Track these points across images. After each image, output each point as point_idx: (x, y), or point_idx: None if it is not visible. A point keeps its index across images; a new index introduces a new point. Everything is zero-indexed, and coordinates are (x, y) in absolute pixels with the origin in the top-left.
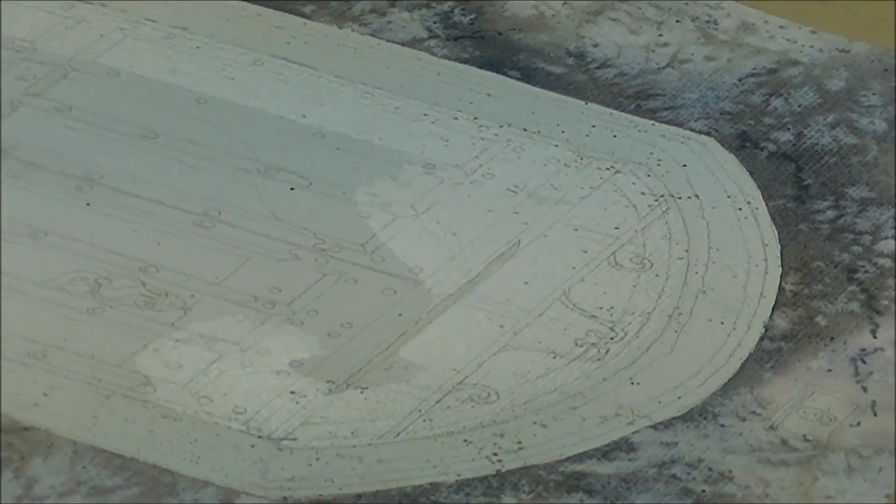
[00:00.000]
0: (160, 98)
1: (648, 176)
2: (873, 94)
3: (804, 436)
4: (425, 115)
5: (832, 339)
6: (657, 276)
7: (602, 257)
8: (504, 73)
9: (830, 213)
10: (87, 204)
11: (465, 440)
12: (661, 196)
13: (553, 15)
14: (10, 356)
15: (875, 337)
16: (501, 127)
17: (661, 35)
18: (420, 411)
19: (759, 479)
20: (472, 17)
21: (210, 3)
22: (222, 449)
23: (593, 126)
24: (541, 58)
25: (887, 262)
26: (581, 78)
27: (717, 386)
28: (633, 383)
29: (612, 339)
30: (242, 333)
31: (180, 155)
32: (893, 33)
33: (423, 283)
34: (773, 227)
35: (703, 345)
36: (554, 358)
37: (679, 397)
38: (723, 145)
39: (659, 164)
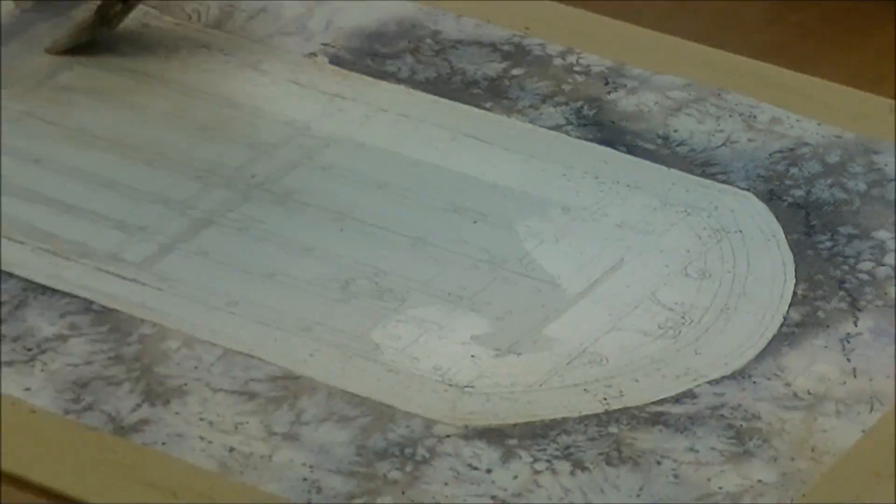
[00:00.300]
0: (389, 161)
1: (709, 217)
2: (857, 165)
3: (808, 390)
4: (564, 174)
5: (828, 326)
6: (714, 283)
7: (678, 270)
8: (615, 148)
9: (828, 244)
10: (341, 230)
11: (584, 389)
12: (718, 230)
13: (648, 110)
14: (289, 329)
15: (856, 326)
16: (613, 183)
17: (718, 125)
18: (556, 370)
19: (778, 418)
20: (595, 111)
21: (424, 101)
22: (426, 393)
23: (673, 184)
24: (639, 138)
25: (865, 277)
26: (666, 152)
27: (752, 356)
28: (696, 353)
29: (683, 324)
30: (440, 316)
31: (402, 198)
32: (872, 125)
33: (560, 286)
34: (790, 252)
35: (744, 329)
36: (645, 336)
37: (726, 363)
38: (757, 198)
39: (716, 210)
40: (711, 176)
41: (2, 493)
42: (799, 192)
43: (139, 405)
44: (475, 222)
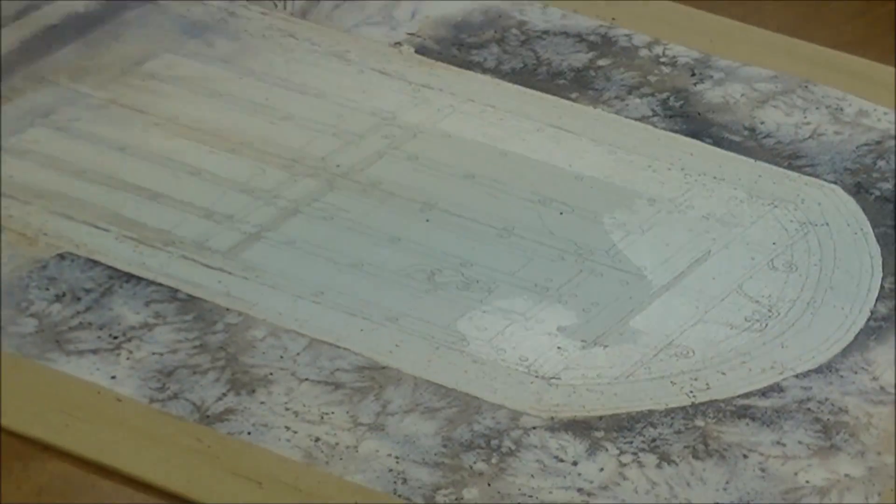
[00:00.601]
0: (476, 151)
1: (796, 210)
2: None
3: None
4: (649, 166)
5: None
6: (800, 276)
7: (764, 262)
8: (702, 140)
9: None
10: (427, 220)
11: (671, 382)
12: (804, 223)
13: (734, 102)
14: (375, 320)
15: None
16: (699, 175)
17: (805, 117)
18: (642, 362)
19: (865, 412)
20: (681, 102)
21: (510, 91)
22: (511, 384)
23: (760, 176)
24: (726, 130)
25: None
26: (752, 144)
27: (838, 350)
28: (783, 346)
29: (769, 317)
30: (526, 308)
31: (489, 189)
32: None
33: (646, 277)
34: (878, 245)
35: (830, 322)
36: (731, 329)
37: (813, 357)
38: (845, 191)
39: (803, 202)
40: (798, 168)
41: (88, 481)
42: (886, 186)
43: (224, 394)
44: (561, 213)
